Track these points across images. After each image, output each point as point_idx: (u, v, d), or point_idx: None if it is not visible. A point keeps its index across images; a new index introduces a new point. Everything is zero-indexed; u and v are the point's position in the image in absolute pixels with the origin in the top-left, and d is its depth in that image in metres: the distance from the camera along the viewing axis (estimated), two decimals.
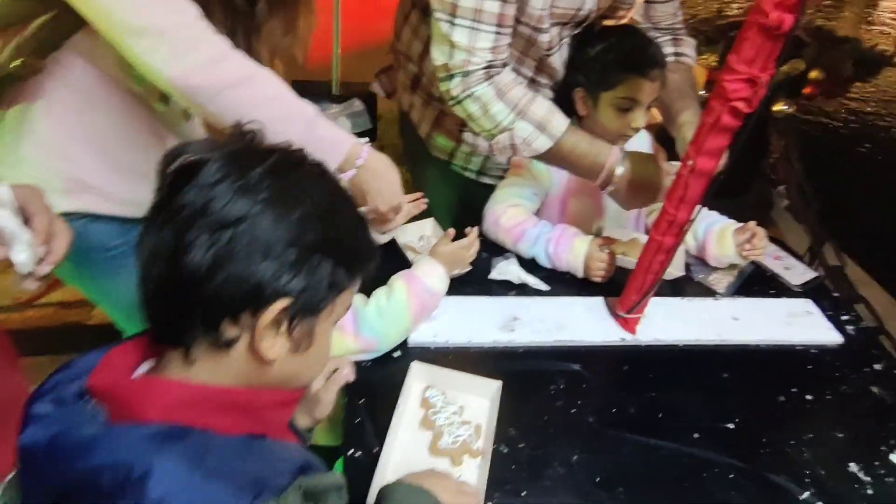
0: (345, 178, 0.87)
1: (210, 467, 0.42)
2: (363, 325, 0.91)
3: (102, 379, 0.47)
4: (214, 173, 0.45)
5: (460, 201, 1.43)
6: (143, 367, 0.51)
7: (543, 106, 1.04)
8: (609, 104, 1.13)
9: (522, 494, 0.79)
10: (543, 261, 1.18)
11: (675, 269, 1.18)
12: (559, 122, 1.05)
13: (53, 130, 0.86)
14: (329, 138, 0.86)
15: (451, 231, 1.05)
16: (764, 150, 2.70)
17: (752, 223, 1.15)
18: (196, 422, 0.45)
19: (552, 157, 1.07)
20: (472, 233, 1.07)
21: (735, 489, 0.83)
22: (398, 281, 0.95)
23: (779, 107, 2.61)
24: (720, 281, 1.20)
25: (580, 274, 1.15)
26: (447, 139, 1.37)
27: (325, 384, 0.82)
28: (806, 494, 0.83)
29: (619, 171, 1.04)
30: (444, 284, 0.99)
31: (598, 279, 1.13)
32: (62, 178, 0.86)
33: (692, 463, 0.86)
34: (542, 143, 1.04)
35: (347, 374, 0.82)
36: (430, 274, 0.97)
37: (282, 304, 0.46)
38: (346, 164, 0.87)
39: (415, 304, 0.94)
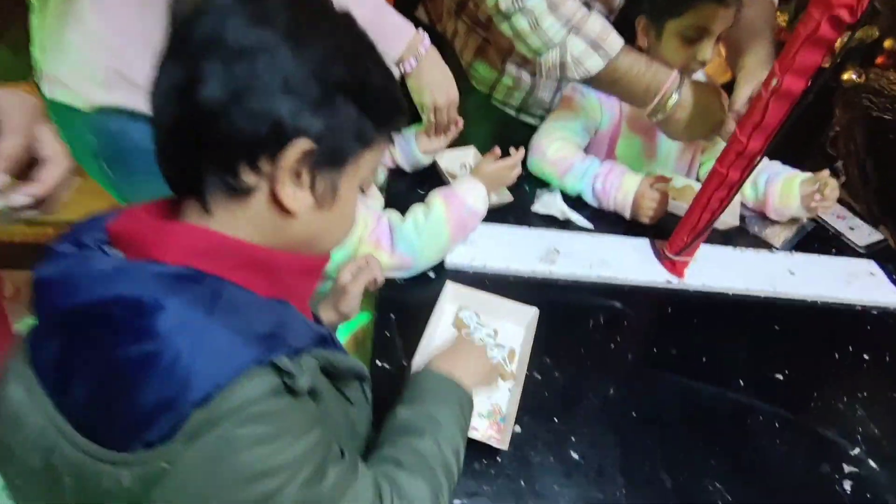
0: (406, 68, 0.84)
1: (223, 312, 0.40)
2: (399, 240, 0.87)
3: (123, 225, 0.44)
4: (229, 1, 0.41)
5: (498, 139, 1.36)
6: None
7: (598, 23, 0.94)
8: (675, 33, 1.03)
9: (554, 420, 0.76)
10: (589, 198, 1.12)
11: (729, 218, 1.11)
12: (615, 40, 0.94)
13: (99, 20, 0.82)
14: (395, 23, 0.82)
15: (497, 150, 0.99)
16: (825, 121, 2.53)
17: (824, 172, 1.07)
18: (216, 272, 0.42)
19: (604, 79, 0.97)
20: (517, 154, 1.01)
21: (779, 438, 0.78)
22: (437, 197, 0.91)
23: (848, 75, 2.44)
24: (777, 235, 1.12)
25: (627, 214, 1.09)
26: (489, 69, 1.30)
27: (352, 278, 0.79)
28: (857, 451, 0.78)
29: (675, 97, 0.95)
30: (483, 204, 0.94)
31: (646, 220, 1.07)
32: (104, 69, 0.83)
33: (735, 408, 0.81)
34: (595, 63, 0.94)
35: (376, 269, 0.79)
36: (470, 192, 0.92)
37: (303, 144, 0.42)
38: (408, 53, 0.83)
39: (454, 222, 0.90)
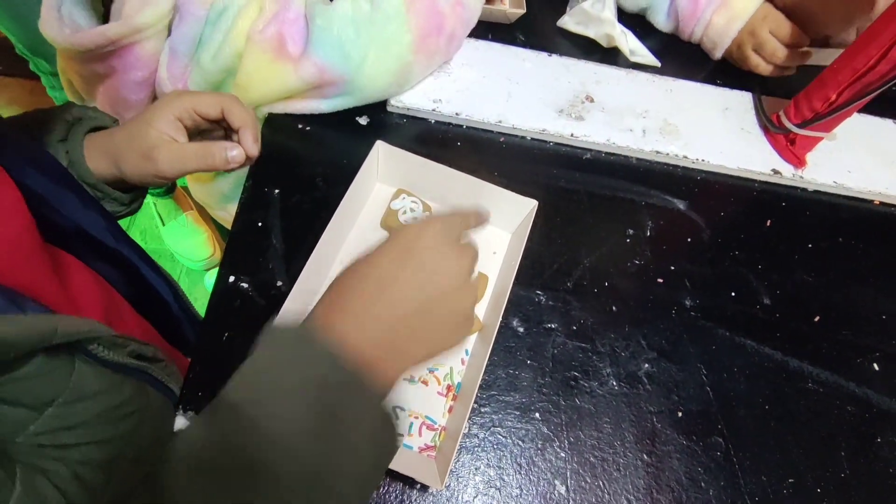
0: None
1: None
2: (319, 41, 0.46)
3: None
4: None
5: None
6: None
7: None
8: None
9: (535, 417, 0.42)
10: (661, 15, 0.65)
11: None
12: None
13: None
14: None
15: None
16: None
17: None
18: None
19: None
20: None
21: None
22: None
23: None
24: None
25: (720, 50, 0.64)
26: None
27: (182, 145, 0.39)
28: None
29: None
30: None
31: (758, 70, 0.62)
32: None
33: (860, 413, 0.47)
34: None
35: (231, 156, 0.40)
36: None
37: None
38: None
39: (420, 14, 0.47)
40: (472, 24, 0.53)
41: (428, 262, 0.27)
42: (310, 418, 0.23)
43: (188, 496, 0.21)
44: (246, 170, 0.49)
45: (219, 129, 0.42)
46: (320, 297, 0.27)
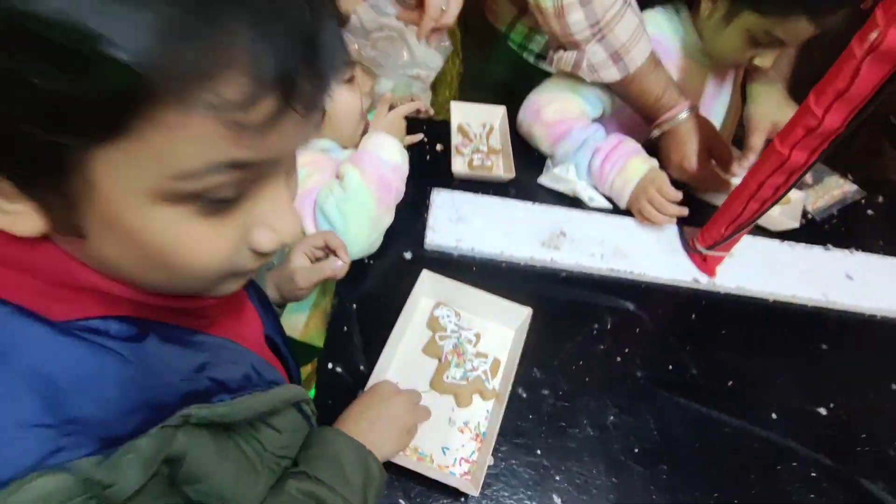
0: None
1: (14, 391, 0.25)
2: (322, 222, 0.72)
3: None
4: None
5: (511, 83, 1.15)
6: None
7: (629, 26, 0.79)
8: (745, 28, 0.81)
9: (537, 453, 0.62)
10: (583, 173, 0.90)
11: (787, 218, 0.91)
12: (638, 53, 0.81)
13: None
14: None
15: (388, 96, 0.84)
16: (887, 83, 2.23)
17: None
18: (18, 290, 0.28)
19: (614, 86, 0.87)
20: (414, 103, 0.85)
21: (815, 491, 0.64)
22: (347, 166, 0.73)
23: None
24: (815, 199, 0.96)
25: (623, 204, 0.87)
26: (510, 5, 1.09)
27: (308, 266, 0.65)
28: None
29: (683, 115, 0.85)
30: (401, 155, 0.77)
31: (645, 219, 0.85)
32: None
33: (764, 449, 0.66)
34: (611, 75, 0.84)
35: (336, 266, 0.65)
36: (380, 147, 0.75)
37: None
38: None
39: (374, 184, 0.72)
40: (405, 177, 0.77)
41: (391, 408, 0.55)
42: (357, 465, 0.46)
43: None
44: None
45: (323, 254, 0.67)
46: (345, 414, 0.55)
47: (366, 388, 0.60)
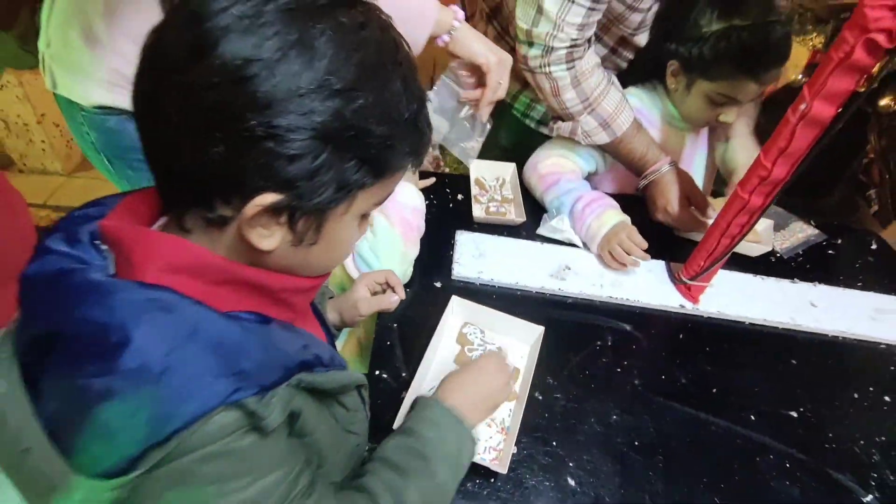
0: (439, 43, 0.81)
1: (193, 347, 0.38)
2: (360, 263, 0.88)
3: (113, 223, 0.42)
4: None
5: (516, 147, 1.34)
6: (161, 221, 0.46)
7: (614, 100, 1.00)
8: (703, 93, 1.01)
9: (553, 444, 0.74)
10: (566, 215, 1.04)
11: (763, 244, 1.06)
12: (624, 121, 1.01)
13: (106, 21, 0.79)
14: (418, 2, 0.77)
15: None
16: (858, 148, 2.44)
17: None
18: (196, 292, 0.40)
19: (606, 147, 1.06)
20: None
21: (790, 479, 0.75)
22: (373, 213, 0.89)
23: (885, 101, 2.35)
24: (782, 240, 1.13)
25: (594, 248, 1.01)
26: (512, 80, 1.29)
27: (369, 297, 0.79)
28: (869, 498, 0.74)
29: (665, 168, 1.04)
30: (418, 198, 0.94)
31: (613, 260, 0.97)
32: (106, 70, 0.79)
33: (745, 445, 0.78)
34: (602, 139, 1.04)
35: (393, 300, 0.79)
36: (399, 192, 0.91)
37: (267, 198, 0.38)
38: (440, 28, 0.79)
39: (399, 225, 0.88)
40: (423, 215, 0.94)
41: (489, 374, 0.66)
42: (452, 461, 0.58)
43: (379, 479, 0.54)
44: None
45: (381, 289, 0.81)
46: (441, 383, 0.65)
47: (411, 385, 0.72)
